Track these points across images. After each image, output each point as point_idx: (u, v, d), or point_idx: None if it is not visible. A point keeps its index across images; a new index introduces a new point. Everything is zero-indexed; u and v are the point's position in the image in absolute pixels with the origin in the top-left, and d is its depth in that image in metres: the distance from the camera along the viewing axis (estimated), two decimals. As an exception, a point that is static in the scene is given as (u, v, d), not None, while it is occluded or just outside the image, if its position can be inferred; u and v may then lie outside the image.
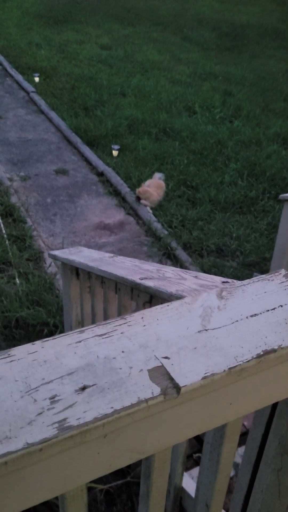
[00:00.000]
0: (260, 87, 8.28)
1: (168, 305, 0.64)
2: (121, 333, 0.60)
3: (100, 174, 5.31)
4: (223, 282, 1.00)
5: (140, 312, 0.63)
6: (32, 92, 7.22)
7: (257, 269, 4.06)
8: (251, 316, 0.63)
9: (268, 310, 0.64)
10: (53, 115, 6.53)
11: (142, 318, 0.62)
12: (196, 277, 1.08)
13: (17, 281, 3.56)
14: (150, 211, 4.73)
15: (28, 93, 7.26)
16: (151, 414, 0.53)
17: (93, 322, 1.87)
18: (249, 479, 0.98)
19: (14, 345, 3.12)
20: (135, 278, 1.17)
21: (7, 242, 3.98)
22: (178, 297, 0.99)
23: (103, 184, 5.17)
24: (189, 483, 1.57)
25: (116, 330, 0.60)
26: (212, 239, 4.40)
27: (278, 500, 0.88)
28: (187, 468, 2.03)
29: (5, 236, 4.05)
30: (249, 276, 3.97)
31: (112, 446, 0.54)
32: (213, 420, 0.62)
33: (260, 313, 0.63)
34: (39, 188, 5.00)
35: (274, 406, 0.81)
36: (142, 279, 1.14)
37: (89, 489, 2.06)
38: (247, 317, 0.62)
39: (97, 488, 2.02)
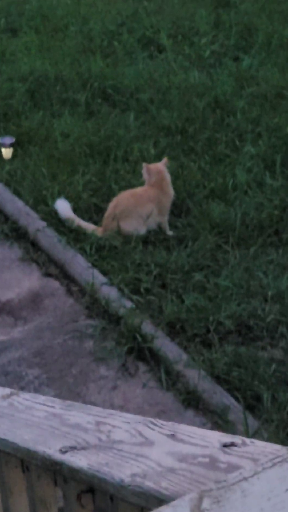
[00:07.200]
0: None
1: None
2: None
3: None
4: (224, 446, 0.56)
5: None
6: None
7: None
8: None
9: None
10: None
11: None
12: (173, 435, 0.61)
13: None
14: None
15: None
16: None
17: None
18: None
19: None
20: (52, 448, 0.73)
21: None
22: (135, 493, 0.55)
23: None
24: None
25: None
26: (227, 306, 2.49)
27: None
28: None
29: None
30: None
31: None
32: None
33: None
34: None
35: None
36: (65, 451, 0.69)
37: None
38: None
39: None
